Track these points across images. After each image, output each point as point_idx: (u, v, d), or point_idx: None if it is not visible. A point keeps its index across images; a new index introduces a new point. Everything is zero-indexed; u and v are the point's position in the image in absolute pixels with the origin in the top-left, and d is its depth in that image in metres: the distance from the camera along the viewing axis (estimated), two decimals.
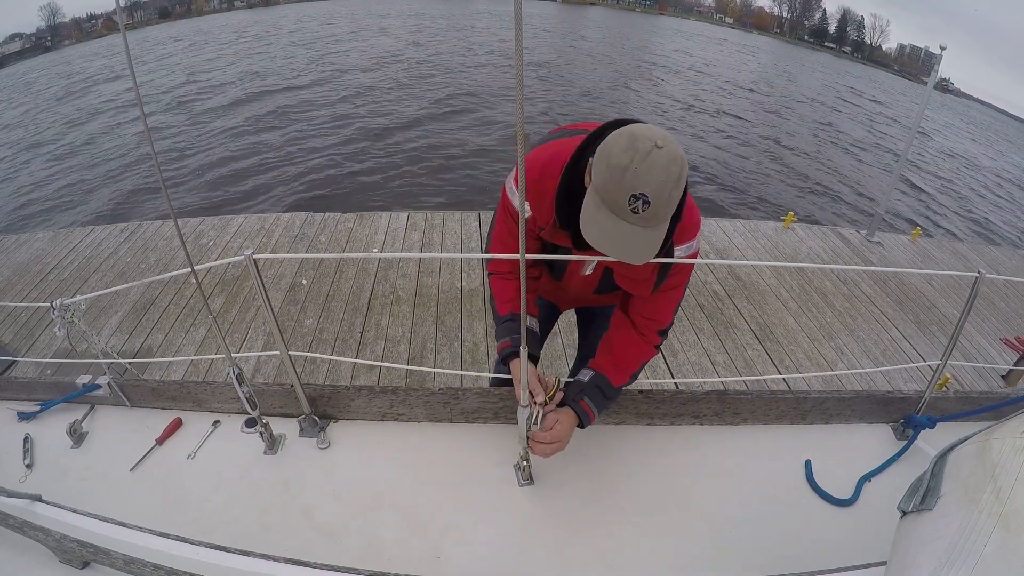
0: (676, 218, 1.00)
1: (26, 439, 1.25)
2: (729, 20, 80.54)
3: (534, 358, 1.27)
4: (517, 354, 1.20)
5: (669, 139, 0.87)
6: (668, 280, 1.13)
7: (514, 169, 1.15)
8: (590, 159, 0.97)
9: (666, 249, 1.03)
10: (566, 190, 1.04)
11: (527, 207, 1.13)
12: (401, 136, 9.76)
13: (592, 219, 0.91)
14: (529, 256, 1.31)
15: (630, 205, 0.86)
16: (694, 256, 1.12)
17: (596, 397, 1.16)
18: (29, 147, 10.40)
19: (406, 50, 19.08)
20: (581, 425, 1.15)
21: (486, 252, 1.27)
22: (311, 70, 15.36)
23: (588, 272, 1.24)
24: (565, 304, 1.63)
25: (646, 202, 0.85)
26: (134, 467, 1.19)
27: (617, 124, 0.97)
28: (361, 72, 14.99)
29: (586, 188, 0.97)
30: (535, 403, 1.09)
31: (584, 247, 1.03)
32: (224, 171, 8.16)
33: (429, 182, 7.83)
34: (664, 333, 1.21)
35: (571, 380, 1.22)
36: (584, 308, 1.72)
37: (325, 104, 11.74)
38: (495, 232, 1.28)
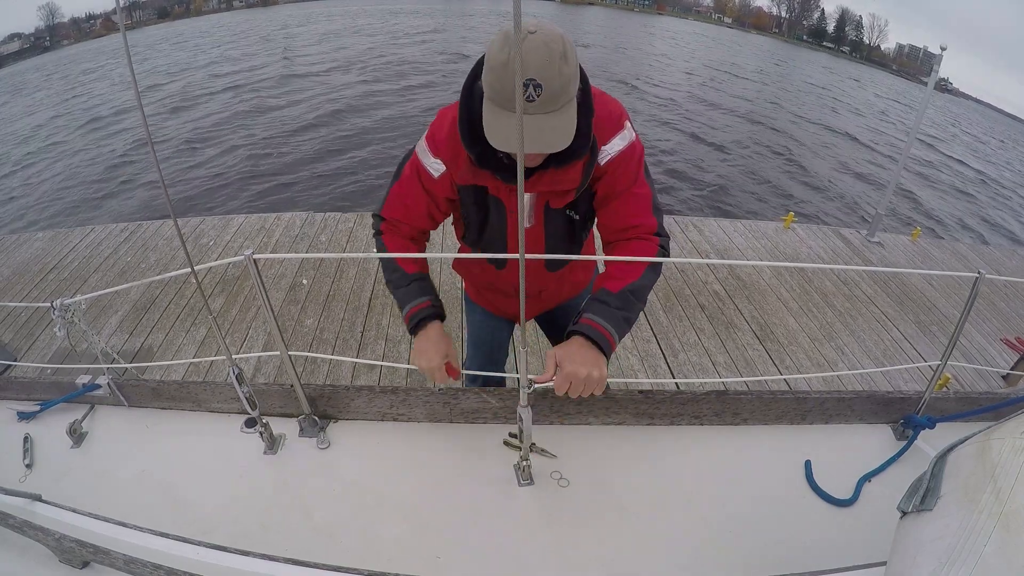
0: (586, 110, 0.96)
1: (26, 439, 1.25)
2: (728, 20, 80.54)
3: (442, 316, 1.17)
4: (434, 318, 1.13)
5: (543, 23, 0.86)
6: (620, 179, 1.07)
7: (428, 128, 1.11)
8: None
9: (587, 143, 0.99)
10: (467, 119, 0.99)
11: (440, 163, 1.09)
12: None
13: (493, 125, 0.89)
14: (463, 256, 1.27)
15: (525, 95, 0.84)
16: (635, 145, 1.06)
17: (598, 309, 1.03)
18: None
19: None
20: (599, 347, 1.00)
21: (382, 204, 1.20)
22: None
23: (529, 223, 1.15)
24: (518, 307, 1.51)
25: (536, 86, 0.84)
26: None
27: None
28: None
29: None
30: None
31: (509, 179, 1.01)
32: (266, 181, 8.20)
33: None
34: (660, 234, 1.11)
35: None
36: (546, 315, 1.57)
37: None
38: (395, 192, 1.18)
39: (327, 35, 23.94)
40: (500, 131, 0.88)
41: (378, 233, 1.22)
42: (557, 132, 0.89)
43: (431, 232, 1.28)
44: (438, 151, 1.09)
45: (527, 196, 1.10)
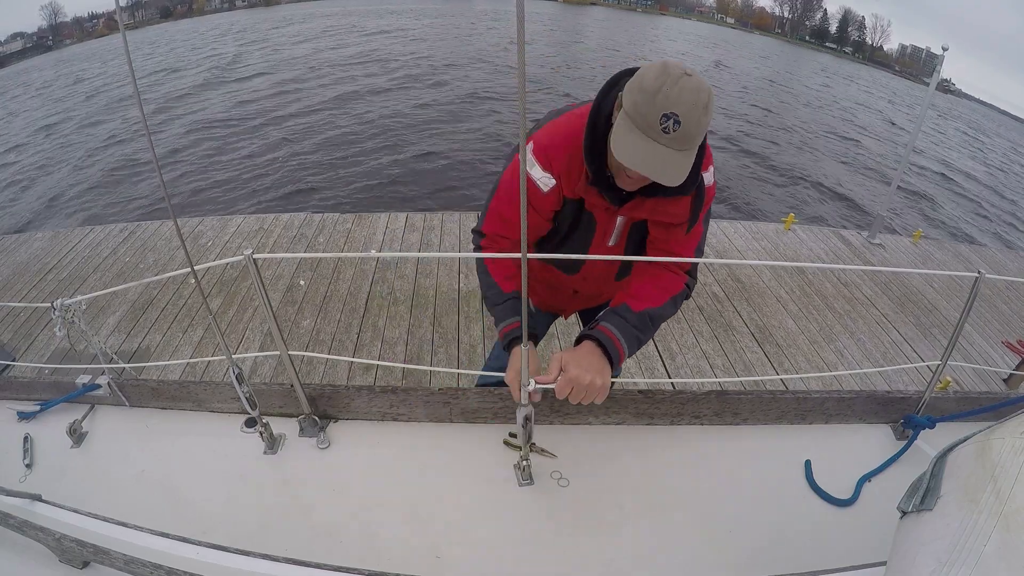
0: (701, 153, 1.00)
1: (26, 439, 1.25)
2: (730, 20, 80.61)
3: (536, 337, 1.21)
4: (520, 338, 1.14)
5: (697, 72, 0.90)
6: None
7: (532, 141, 1.11)
8: (618, 96, 0.97)
9: (697, 180, 1.03)
10: (592, 136, 1.03)
11: (550, 178, 1.10)
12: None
13: (623, 140, 0.92)
14: (533, 257, 1.27)
15: (661, 125, 0.87)
16: (711, 188, 1.12)
17: (616, 322, 1.06)
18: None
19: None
20: (609, 357, 1.03)
21: (482, 220, 1.19)
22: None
23: (613, 242, 1.19)
24: (572, 305, 1.54)
25: (677, 122, 0.87)
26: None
27: (629, 73, 0.99)
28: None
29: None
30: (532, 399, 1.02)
31: (617, 201, 1.04)
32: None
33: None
34: (691, 274, 1.16)
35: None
36: (591, 311, 1.61)
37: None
38: (495, 208, 1.17)
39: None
40: (627, 147, 0.92)
41: (477, 248, 1.23)
42: (676, 168, 0.92)
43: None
44: (549, 164, 1.09)
45: (620, 219, 1.15)
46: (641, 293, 1.11)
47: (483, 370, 1.73)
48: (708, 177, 1.10)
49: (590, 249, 1.21)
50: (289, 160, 8.74)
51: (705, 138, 1.00)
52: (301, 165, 8.55)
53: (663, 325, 1.18)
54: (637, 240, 1.21)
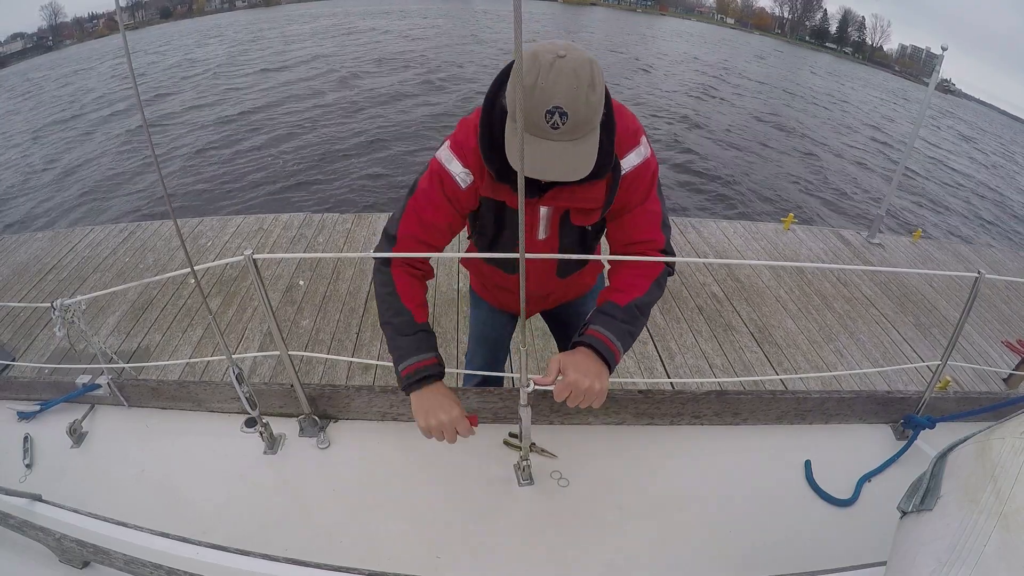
0: (609, 128, 0.96)
1: (26, 439, 1.25)
2: (730, 20, 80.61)
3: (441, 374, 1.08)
4: (438, 377, 1.06)
5: (572, 46, 0.85)
6: (632, 195, 1.07)
7: (450, 138, 1.08)
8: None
9: (611, 161, 0.98)
10: (488, 134, 0.98)
11: (468, 174, 1.06)
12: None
13: (513, 146, 0.87)
14: (467, 254, 1.23)
15: (548, 121, 0.83)
16: (650, 161, 1.06)
17: (604, 321, 1.02)
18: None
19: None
20: (604, 359, 1.00)
21: (396, 222, 1.10)
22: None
23: (544, 235, 1.14)
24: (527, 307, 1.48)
25: (563, 114, 0.83)
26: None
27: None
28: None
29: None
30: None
31: (534, 192, 0.99)
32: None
33: None
34: (666, 252, 1.11)
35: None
36: (553, 312, 1.57)
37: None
38: (412, 208, 1.09)
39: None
40: (519, 154, 0.86)
41: (386, 265, 1.11)
42: (579, 159, 0.88)
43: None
44: (467, 160, 1.05)
45: (545, 210, 1.10)
46: (623, 284, 1.07)
47: (466, 367, 1.73)
48: (633, 159, 1.03)
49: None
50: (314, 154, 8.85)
51: (612, 115, 0.96)
52: (304, 161, 8.62)
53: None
54: (574, 234, 1.15)
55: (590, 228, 1.16)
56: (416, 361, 1.05)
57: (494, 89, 0.99)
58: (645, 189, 1.08)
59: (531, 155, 0.86)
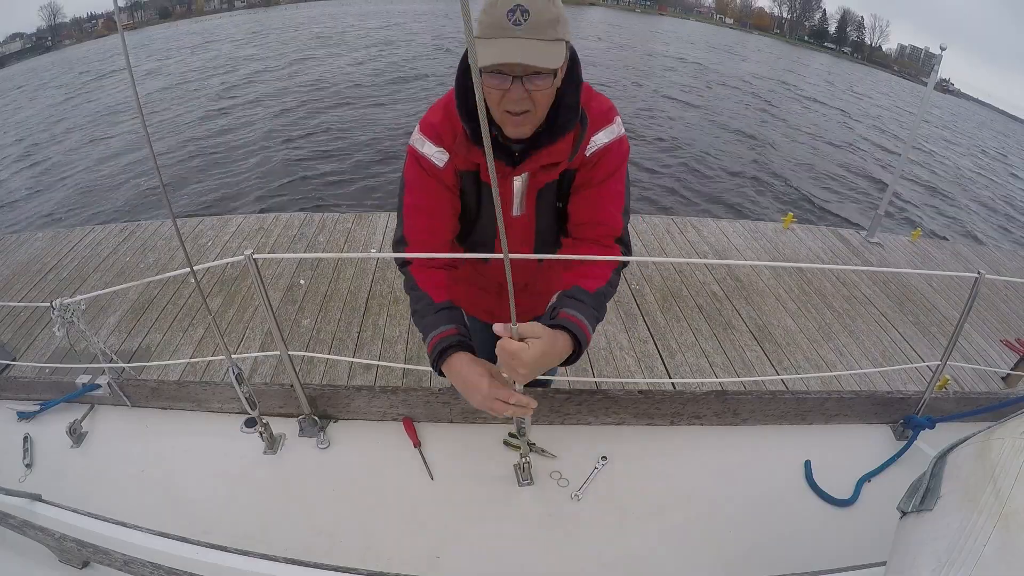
0: (575, 86, 0.99)
1: (26, 439, 1.25)
2: (729, 21, 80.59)
3: (473, 350, 1.03)
4: (461, 346, 1.00)
5: None
6: (598, 170, 1.07)
7: (418, 124, 1.08)
8: None
9: (577, 115, 1.00)
10: (463, 90, 0.99)
11: (443, 152, 1.06)
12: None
13: (482, 49, 0.88)
14: (449, 256, 1.17)
15: (510, 19, 0.86)
16: (622, 141, 1.07)
17: (572, 304, 0.98)
18: None
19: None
20: (576, 340, 0.95)
21: (401, 225, 1.11)
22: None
23: (520, 211, 1.13)
24: (502, 304, 1.38)
25: (524, 11, 0.86)
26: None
27: None
28: None
29: None
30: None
31: (509, 161, 1.01)
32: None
33: None
34: (622, 241, 1.09)
35: None
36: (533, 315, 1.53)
37: None
38: (410, 203, 1.10)
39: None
40: (486, 50, 0.88)
41: (402, 264, 1.12)
42: (541, 51, 0.88)
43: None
44: (439, 138, 1.05)
45: (519, 181, 1.09)
46: (591, 272, 1.04)
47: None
48: (604, 137, 1.05)
49: (495, 239, 1.14)
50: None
51: (578, 69, 0.99)
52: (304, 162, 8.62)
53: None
54: (551, 212, 1.14)
55: (561, 205, 1.15)
56: (436, 334, 1.01)
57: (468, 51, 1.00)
58: (613, 167, 1.08)
59: (498, 49, 0.87)
